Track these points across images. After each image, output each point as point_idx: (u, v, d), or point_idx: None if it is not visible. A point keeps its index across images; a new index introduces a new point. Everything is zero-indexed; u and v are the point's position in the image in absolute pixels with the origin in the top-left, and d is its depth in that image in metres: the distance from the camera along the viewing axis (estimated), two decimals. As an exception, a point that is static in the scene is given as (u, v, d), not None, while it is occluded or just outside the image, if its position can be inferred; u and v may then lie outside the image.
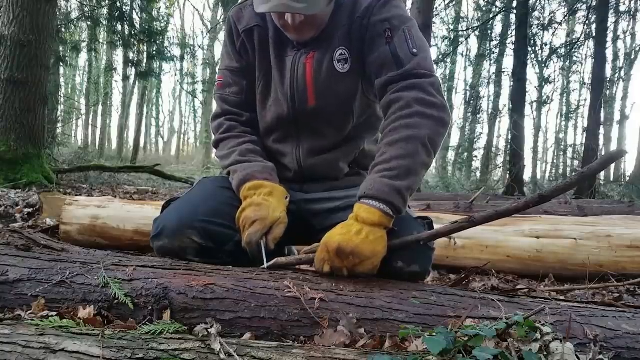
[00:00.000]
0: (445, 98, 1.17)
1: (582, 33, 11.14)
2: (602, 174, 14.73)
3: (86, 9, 8.95)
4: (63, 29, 8.95)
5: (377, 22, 1.15)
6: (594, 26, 9.81)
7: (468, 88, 16.35)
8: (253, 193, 1.18)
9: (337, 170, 1.32)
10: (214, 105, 1.43)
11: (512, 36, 11.50)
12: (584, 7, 10.53)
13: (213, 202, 1.22)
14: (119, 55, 16.54)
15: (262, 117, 1.32)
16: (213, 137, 1.36)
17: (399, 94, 1.11)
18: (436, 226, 1.15)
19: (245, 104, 1.32)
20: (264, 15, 1.23)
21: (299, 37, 1.18)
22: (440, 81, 1.19)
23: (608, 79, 12.22)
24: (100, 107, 22.45)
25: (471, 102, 14.32)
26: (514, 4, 10.41)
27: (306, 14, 1.09)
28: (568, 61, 14.37)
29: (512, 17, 11.30)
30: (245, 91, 1.31)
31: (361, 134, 1.32)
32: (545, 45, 11.85)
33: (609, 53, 12.32)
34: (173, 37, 16.19)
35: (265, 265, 1.07)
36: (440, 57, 12.27)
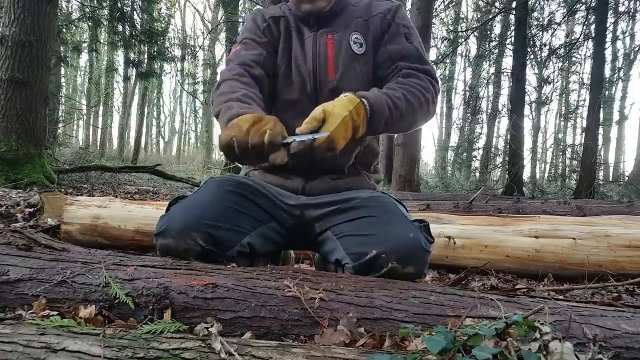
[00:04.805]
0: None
1: (581, 33, 11.17)
2: (602, 173, 14.74)
3: (87, 10, 8.96)
4: (64, 30, 8.97)
5: (400, 24, 1.35)
6: (593, 27, 9.82)
7: (467, 88, 16.35)
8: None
9: (344, 157, 1.33)
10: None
11: (511, 37, 11.51)
12: (583, 7, 10.55)
13: (220, 206, 1.19)
14: (119, 56, 16.51)
15: (285, 93, 1.35)
16: (218, 80, 1.32)
17: (423, 80, 1.29)
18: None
19: (261, 65, 1.32)
20: (285, 11, 1.41)
21: (312, 6, 1.30)
22: None
23: (607, 79, 12.21)
24: (101, 108, 22.44)
25: (470, 102, 14.31)
26: (513, 4, 10.41)
27: None
28: (567, 61, 14.37)
29: (512, 17, 11.31)
30: (264, 57, 1.33)
31: None
32: (545, 45, 11.86)
33: (608, 53, 12.37)
34: (174, 37, 16.21)
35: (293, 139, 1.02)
36: (440, 57, 12.28)
